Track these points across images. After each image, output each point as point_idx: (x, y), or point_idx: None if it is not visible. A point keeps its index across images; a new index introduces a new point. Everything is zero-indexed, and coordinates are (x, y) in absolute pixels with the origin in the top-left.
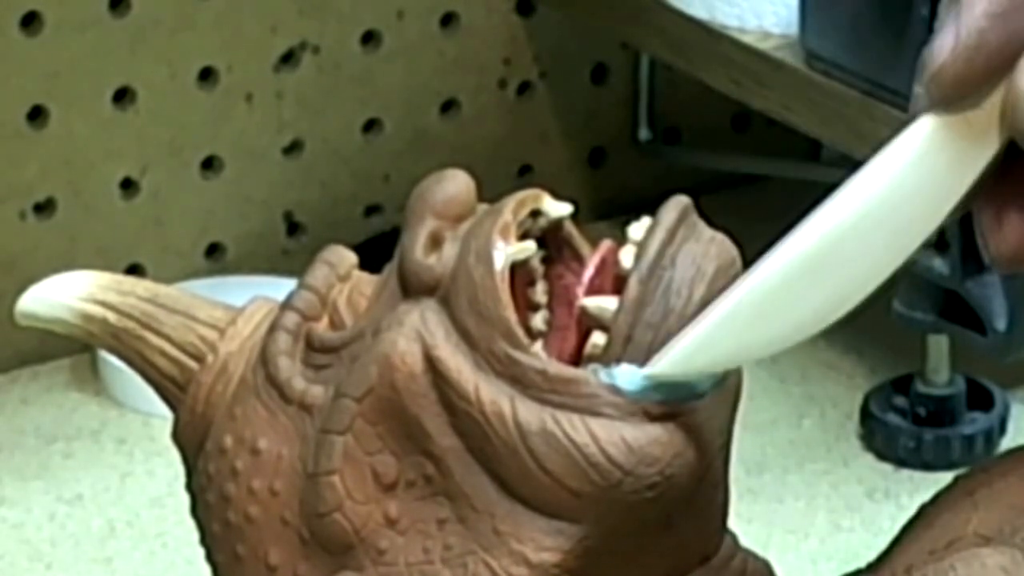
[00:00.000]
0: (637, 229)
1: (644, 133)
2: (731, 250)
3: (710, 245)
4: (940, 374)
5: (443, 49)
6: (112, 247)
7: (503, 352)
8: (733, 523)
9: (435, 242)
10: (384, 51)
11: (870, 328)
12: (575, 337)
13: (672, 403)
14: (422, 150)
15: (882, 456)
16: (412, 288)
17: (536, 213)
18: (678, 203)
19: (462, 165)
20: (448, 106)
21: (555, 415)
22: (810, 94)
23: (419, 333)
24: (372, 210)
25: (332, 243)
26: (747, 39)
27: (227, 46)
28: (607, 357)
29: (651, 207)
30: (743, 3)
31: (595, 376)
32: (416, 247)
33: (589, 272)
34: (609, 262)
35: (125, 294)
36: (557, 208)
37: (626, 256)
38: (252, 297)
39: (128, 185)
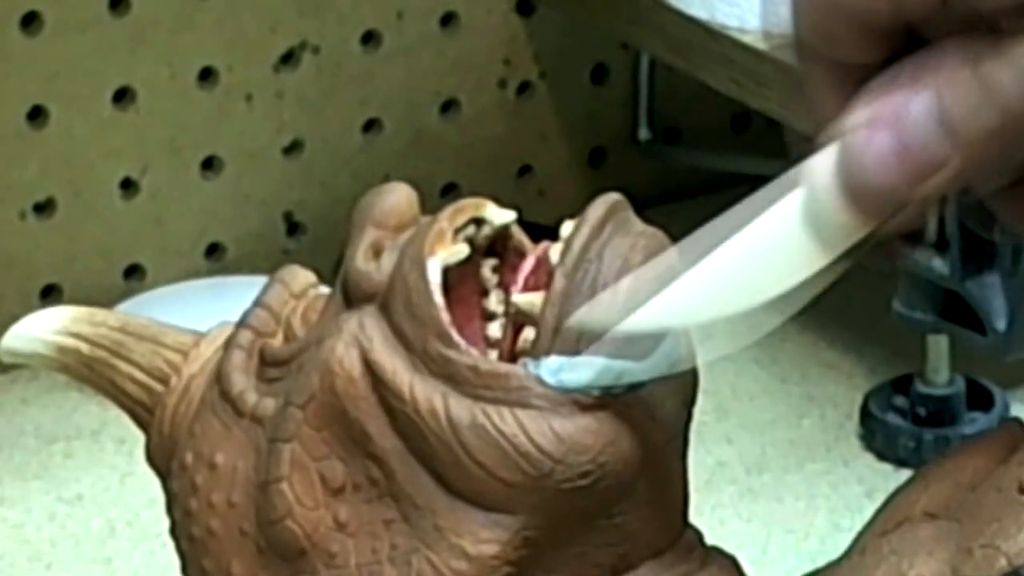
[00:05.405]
0: (567, 227)
1: (644, 133)
2: (663, 243)
3: (639, 238)
4: (940, 374)
5: (443, 49)
6: (112, 247)
7: (436, 351)
8: (733, 523)
9: (376, 252)
10: (384, 51)
11: (870, 328)
12: (512, 335)
13: (603, 396)
14: (422, 150)
15: (882, 456)
16: (353, 296)
17: (481, 222)
18: (606, 200)
19: (462, 165)
20: (448, 106)
21: (485, 409)
22: None
23: (357, 338)
24: None
25: (332, 243)
26: (747, 39)
27: (227, 46)
28: (537, 350)
29: (651, 207)
30: (743, 3)
31: (525, 369)
32: (357, 256)
33: (524, 272)
34: (543, 261)
35: (97, 325)
36: (500, 216)
37: (556, 253)
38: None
39: (128, 185)
